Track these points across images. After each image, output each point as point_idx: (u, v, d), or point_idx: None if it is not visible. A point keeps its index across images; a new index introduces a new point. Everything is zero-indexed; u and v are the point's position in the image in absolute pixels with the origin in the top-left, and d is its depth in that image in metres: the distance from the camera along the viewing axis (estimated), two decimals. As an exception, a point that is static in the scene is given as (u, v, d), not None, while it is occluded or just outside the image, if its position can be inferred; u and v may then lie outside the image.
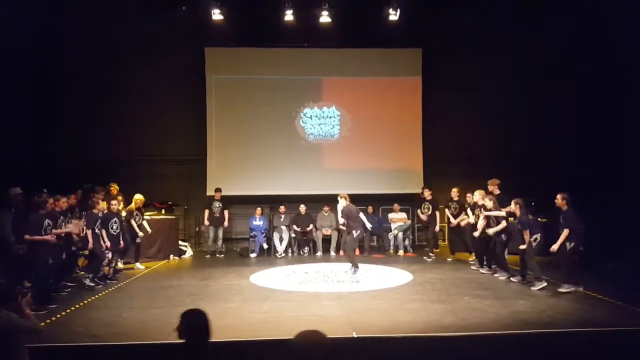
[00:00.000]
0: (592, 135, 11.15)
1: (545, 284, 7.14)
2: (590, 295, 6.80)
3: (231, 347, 4.93)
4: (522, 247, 7.54)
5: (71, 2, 10.86)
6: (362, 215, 9.20)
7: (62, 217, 7.36)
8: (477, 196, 8.72)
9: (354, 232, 8.68)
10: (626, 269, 7.99)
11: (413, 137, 12.72)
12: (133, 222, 9.37)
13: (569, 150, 11.75)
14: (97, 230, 7.74)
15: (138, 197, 9.62)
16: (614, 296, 6.53)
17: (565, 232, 6.94)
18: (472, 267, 9.09)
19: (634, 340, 5.10)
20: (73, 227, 7.45)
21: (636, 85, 9.79)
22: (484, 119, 12.49)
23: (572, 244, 6.94)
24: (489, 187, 8.66)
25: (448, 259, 10.16)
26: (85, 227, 7.73)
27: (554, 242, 7.10)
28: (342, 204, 8.80)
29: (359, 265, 8.72)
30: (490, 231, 8.22)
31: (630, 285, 6.98)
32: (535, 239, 7.35)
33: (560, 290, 6.95)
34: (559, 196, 7.16)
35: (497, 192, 8.45)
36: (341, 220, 8.82)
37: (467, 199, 9.62)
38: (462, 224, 9.72)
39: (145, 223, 9.74)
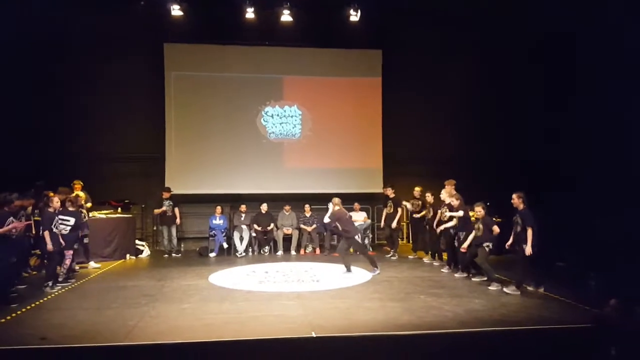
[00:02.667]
0: (547, 135, 11.56)
1: (500, 284, 7.27)
2: (541, 293, 7.04)
3: (188, 349, 4.87)
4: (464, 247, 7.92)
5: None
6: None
7: (11, 217, 6.78)
8: (444, 195, 8.87)
9: (356, 237, 8.72)
10: (575, 268, 8.28)
11: (373, 137, 12.89)
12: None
13: (523, 150, 12.15)
14: (54, 230, 7.44)
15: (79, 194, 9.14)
16: (563, 295, 6.78)
17: (530, 231, 6.84)
18: (443, 270, 8.85)
19: (582, 337, 5.31)
20: (17, 223, 6.75)
21: (594, 92, 10.18)
22: (441, 120, 12.85)
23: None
24: (446, 187, 8.82)
25: (409, 257, 10.34)
26: (41, 227, 7.43)
27: (508, 241, 7.32)
28: (330, 208, 8.72)
29: (352, 268, 8.67)
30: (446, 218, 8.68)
31: (578, 284, 7.24)
32: (488, 246, 7.51)
33: (506, 291, 7.06)
34: (514, 195, 7.14)
35: (454, 192, 8.62)
36: (326, 220, 8.80)
37: (427, 198, 9.78)
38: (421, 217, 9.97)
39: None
